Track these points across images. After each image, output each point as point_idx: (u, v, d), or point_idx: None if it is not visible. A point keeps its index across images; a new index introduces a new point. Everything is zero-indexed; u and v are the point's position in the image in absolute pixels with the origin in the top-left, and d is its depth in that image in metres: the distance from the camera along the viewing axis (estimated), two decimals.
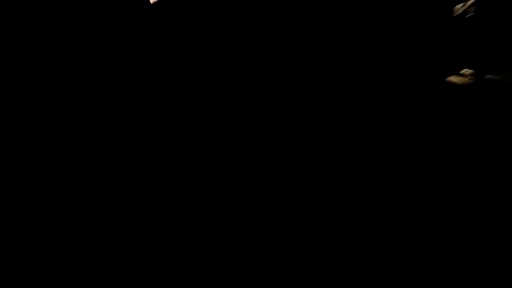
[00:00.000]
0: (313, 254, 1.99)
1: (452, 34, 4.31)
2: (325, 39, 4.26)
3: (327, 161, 2.91)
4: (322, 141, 3.10)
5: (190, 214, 2.28)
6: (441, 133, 3.33)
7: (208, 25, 4.06)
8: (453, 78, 4.24)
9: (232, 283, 1.77)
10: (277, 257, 1.94)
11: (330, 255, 1.98)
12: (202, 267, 1.85)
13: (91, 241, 1.96)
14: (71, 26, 3.35)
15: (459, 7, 4.47)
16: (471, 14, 4.34)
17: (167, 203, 2.37)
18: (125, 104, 3.49)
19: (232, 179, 2.71)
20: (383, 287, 1.80)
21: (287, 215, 2.33)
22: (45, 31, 3.27)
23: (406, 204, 2.34)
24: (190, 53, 4.02)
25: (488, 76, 4.12)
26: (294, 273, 1.87)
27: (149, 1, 3.71)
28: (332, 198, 2.47)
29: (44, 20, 3.26)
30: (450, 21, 4.41)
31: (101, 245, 1.93)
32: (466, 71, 4.24)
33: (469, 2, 4.36)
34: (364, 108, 3.71)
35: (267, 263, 1.91)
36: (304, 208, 2.39)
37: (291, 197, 2.49)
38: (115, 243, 1.96)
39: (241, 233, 2.13)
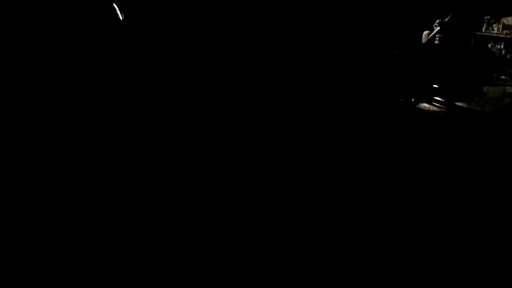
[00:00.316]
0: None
1: (422, 61, 4.35)
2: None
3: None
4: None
5: (190, 213, 2.27)
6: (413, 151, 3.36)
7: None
8: (425, 105, 4.28)
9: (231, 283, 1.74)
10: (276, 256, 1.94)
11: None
12: (201, 266, 1.83)
13: (91, 240, 1.97)
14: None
15: (426, 34, 4.53)
16: (437, 41, 4.42)
17: (167, 202, 2.38)
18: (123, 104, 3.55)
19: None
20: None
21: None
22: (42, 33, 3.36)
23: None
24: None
25: (458, 104, 4.19)
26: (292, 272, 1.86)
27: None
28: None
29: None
30: (419, 48, 4.47)
31: (101, 245, 1.94)
32: (438, 98, 4.29)
33: (436, 30, 4.44)
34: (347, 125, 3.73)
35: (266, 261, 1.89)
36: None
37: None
38: (114, 242, 1.95)
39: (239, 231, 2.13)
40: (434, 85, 4.37)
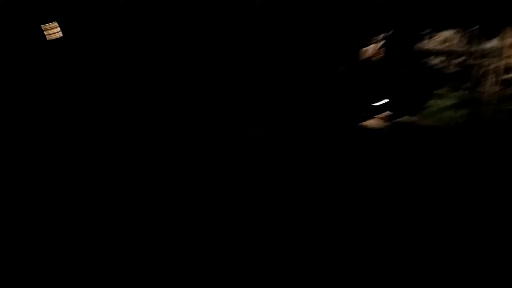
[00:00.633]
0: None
1: (364, 77, 4.28)
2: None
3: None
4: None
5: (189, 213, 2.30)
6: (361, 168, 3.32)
7: None
8: (371, 122, 4.19)
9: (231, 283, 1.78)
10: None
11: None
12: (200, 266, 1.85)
13: (91, 241, 1.97)
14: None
15: (368, 48, 4.50)
16: (380, 56, 4.38)
17: (166, 202, 2.40)
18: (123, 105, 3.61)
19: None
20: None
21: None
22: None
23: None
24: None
25: (403, 118, 4.13)
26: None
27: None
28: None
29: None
30: (359, 64, 4.41)
31: (101, 245, 1.94)
32: (383, 114, 4.22)
33: (378, 45, 4.41)
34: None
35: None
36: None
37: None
38: (115, 243, 1.96)
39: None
40: (380, 101, 4.31)
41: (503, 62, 4.08)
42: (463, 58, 4.21)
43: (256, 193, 2.85)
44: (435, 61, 4.30)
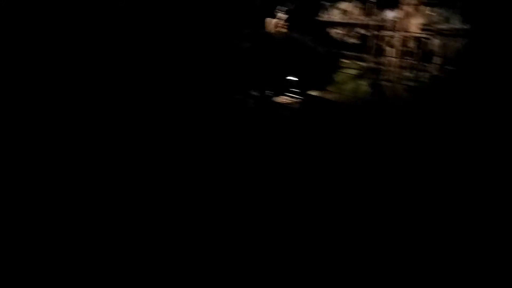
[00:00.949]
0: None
1: (270, 51, 4.10)
2: None
3: None
4: None
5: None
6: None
7: None
8: (281, 98, 4.06)
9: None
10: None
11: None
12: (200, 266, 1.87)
13: (91, 241, 2.00)
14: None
15: (270, 22, 4.30)
16: (284, 27, 4.22)
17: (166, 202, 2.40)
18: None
19: None
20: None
21: None
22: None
23: None
24: None
25: (310, 93, 4.06)
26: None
27: None
28: None
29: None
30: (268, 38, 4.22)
31: (101, 245, 1.98)
32: (292, 90, 4.10)
33: (282, 16, 4.24)
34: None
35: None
36: None
37: None
38: (115, 243, 2.00)
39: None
40: (288, 76, 4.18)
41: (401, 33, 4.17)
42: (363, 29, 4.21)
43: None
44: (337, 32, 4.26)
